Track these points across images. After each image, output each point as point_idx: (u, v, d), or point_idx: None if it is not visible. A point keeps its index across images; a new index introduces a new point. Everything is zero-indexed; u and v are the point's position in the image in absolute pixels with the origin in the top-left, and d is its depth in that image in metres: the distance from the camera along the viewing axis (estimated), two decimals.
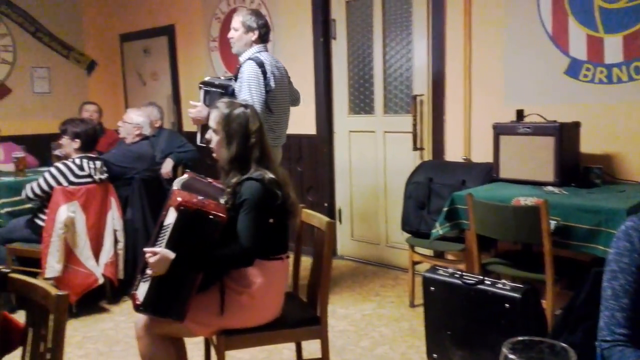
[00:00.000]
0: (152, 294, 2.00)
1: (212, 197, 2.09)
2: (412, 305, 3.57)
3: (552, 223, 2.62)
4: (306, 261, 2.53)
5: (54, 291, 1.46)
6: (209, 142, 2.27)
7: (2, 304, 1.64)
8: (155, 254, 1.95)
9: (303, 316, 2.34)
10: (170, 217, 1.99)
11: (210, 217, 1.96)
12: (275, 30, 4.81)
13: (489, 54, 3.61)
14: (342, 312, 3.54)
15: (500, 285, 2.42)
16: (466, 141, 3.76)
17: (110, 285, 3.79)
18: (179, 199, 1.95)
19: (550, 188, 3.00)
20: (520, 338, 0.84)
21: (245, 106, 2.24)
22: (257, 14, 3.47)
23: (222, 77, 3.50)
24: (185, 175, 2.21)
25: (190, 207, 1.93)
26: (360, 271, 4.37)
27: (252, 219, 2.06)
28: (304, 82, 4.62)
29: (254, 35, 3.42)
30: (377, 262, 4.47)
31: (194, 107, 3.34)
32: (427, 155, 4.01)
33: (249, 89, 3.24)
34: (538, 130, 3.10)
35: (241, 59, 3.42)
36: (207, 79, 3.47)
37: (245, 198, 2.07)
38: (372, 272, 4.34)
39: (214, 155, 2.25)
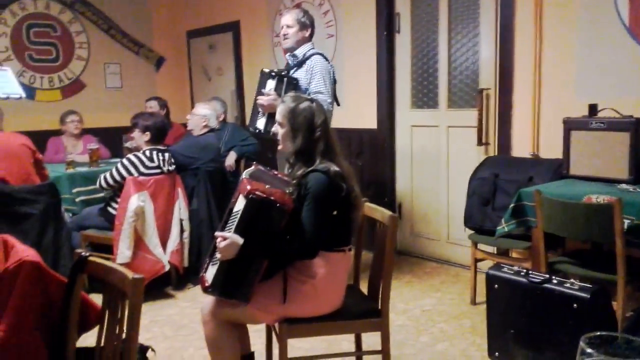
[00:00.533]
0: (220, 276, 2.08)
1: (279, 187, 2.14)
2: (474, 302, 3.52)
3: (626, 222, 2.51)
4: (365, 255, 2.53)
5: (130, 274, 1.53)
6: (275, 134, 2.32)
7: (81, 285, 1.73)
8: (225, 238, 2.03)
9: (364, 308, 2.34)
10: (240, 204, 2.07)
11: (277, 205, 2.02)
12: (337, 25, 4.83)
13: (560, 45, 3.48)
14: (401, 306, 3.52)
15: (568, 285, 2.35)
16: (534, 136, 3.64)
17: (176, 273, 3.93)
18: (249, 187, 2.02)
19: (624, 186, 2.87)
20: (597, 333, 0.82)
21: (311, 100, 2.26)
22: (308, 13, 3.67)
23: (275, 70, 3.58)
24: (253, 167, 2.27)
25: (258, 195, 2.00)
26: (419, 267, 4.33)
27: (317, 211, 2.09)
28: (365, 75, 4.62)
29: (307, 32, 3.60)
30: (438, 258, 4.42)
31: (267, 95, 3.42)
32: (493, 151, 3.92)
33: (323, 81, 3.42)
34: (612, 125, 2.97)
35: (298, 53, 3.56)
36: (266, 70, 3.54)
37: (310, 190, 2.10)
38: (432, 268, 4.29)
39: (279, 147, 2.29)
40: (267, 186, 2.06)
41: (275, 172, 2.33)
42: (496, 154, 3.87)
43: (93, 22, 6.14)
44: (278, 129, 2.27)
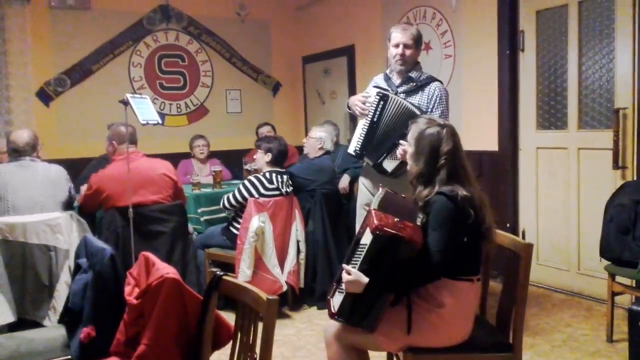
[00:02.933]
0: (346, 305, 2.06)
1: (408, 215, 2.08)
2: (610, 340, 3.22)
3: None
4: (492, 284, 2.40)
5: (264, 295, 1.56)
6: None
7: (216, 303, 1.79)
8: (349, 273, 2.01)
9: (494, 341, 2.22)
10: (366, 238, 2.01)
11: (406, 241, 1.94)
12: (456, 45, 4.72)
13: None
14: (528, 340, 3.29)
15: None
16: None
17: (292, 293, 3.98)
18: (376, 221, 1.95)
19: None
20: None
21: (443, 125, 2.19)
22: (418, 29, 3.35)
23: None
24: (381, 190, 2.23)
25: (385, 232, 1.93)
26: (547, 298, 4.04)
27: (440, 235, 2.02)
28: (486, 95, 4.46)
29: (419, 52, 3.31)
30: (567, 290, 4.10)
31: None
32: (631, 175, 3.59)
33: (448, 110, 3.19)
34: None
35: (414, 76, 3.24)
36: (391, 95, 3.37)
37: (433, 213, 2.04)
38: (561, 300, 3.99)
39: (408, 167, 2.26)
40: (396, 219, 1.98)
41: (404, 196, 2.28)
42: (635, 178, 3.55)
43: (217, 51, 6.51)
44: (407, 148, 2.25)
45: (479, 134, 4.50)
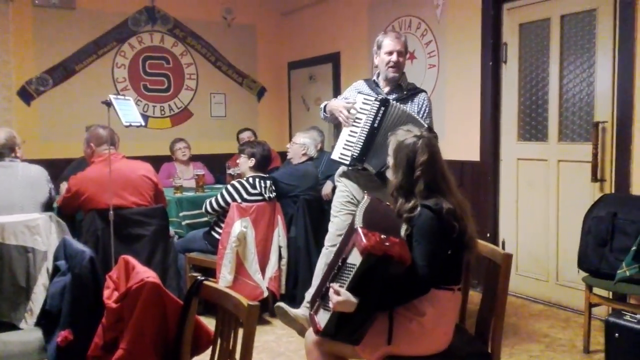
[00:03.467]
0: (332, 323, 2.02)
1: (392, 224, 2.07)
2: (587, 351, 3.26)
3: None
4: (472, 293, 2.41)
5: (245, 301, 1.55)
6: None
7: (196, 308, 1.78)
8: (338, 293, 1.95)
9: (473, 350, 2.23)
10: (355, 257, 1.94)
11: (395, 260, 1.90)
12: (440, 55, 4.77)
13: None
14: (506, 350, 3.31)
15: None
16: None
17: (273, 299, 3.96)
18: (365, 241, 1.88)
19: None
20: None
21: (420, 136, 2.18)
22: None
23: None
24: (366, 198, 2.21)
25: (376, 252, 1.88)
26: (525, 309, 4.08)
27: (426, 249, 2.01)
28: (469, 106, 4.51)
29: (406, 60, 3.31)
30: (545, 300, 4.15)
31: None
32: (609, 188, 3.65)
33: (431, 121, 3.22)
34: None
35: (403, 84, 3.29)
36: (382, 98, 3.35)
37: (418, 227, 2.04)
38: (539, 310, 4.03)
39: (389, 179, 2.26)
40: (382, 235, 1.91)
41: (388, 204, 2.28)
42: (613, 191, 3.61)
43: (202, 55, 6.49)
44: (389, 159, 2.24)
45: (461, 144, 4.55)
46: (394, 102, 3.09)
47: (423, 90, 3.33)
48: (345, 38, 5.89)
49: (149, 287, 1.71)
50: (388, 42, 3.25)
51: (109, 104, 3.25)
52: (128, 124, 3.19)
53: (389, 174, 2.24)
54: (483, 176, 4.46)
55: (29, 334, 2.40)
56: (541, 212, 4.13)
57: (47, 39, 5.59)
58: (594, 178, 3.69)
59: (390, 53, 3.22)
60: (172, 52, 6.32)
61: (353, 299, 1.94)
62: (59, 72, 5.68)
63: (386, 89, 3.29)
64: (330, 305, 1.99)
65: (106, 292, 1.94)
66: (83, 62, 5.80)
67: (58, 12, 5.61)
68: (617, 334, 2.45)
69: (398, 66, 3.23)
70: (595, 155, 3.67)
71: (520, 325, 3.76)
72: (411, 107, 3.20)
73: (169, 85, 6.33)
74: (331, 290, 1.98)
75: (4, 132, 3.38)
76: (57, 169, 4.48)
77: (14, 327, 2.86)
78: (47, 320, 2.24)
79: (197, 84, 6.50)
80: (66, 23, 5.67)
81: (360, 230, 1.92)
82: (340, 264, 2.03)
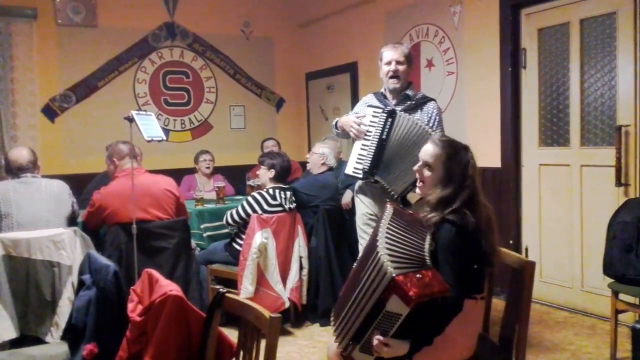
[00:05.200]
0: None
1: (418, 235, 2.03)
2: (614, 358, 3.19)
3: None
4: (495, 301, 2.38)
5: (267, 313, 1.56)
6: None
7: (219, 320, 1.79)
8: (387, 344, 1.88)
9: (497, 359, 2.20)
10: (397, 307, 1.81)
11: (440, 299, 1.83)
12: (458, 62, 4.75)
13: None
14: (531, 358, 3.27)
15: None
16: None
17: (294, 309, 3.97)
18: (410, 293, 1.75)
19: None
20: None
21: (467, 148, 2.15)
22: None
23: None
24: (390, 209, 2.15)
25: (422, 300, 1.77)
26: (550, 316, 4.02)
27: (453, 269, 1.96)
28: (489, 112, 4.48)
29: (411, 70, 3.29)
30: (570, 307, 4.08)
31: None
32: (634, 192, 3.59)
33: (443, 130, 3.20)
34: None
35: (411, 94, 3.26)
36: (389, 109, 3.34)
37: (441, 246, 1.99)
38: (564, 318, 3.97)
39: (418, 187, 2.23)
40: (417, 275, 1.80)
41: (411, 212, 2.25)
42: (638, 195, 3.55)
43: (221, 68, 6.57)
44: (424, 171, 2.17)
45: (481, 151, 4.44)
46: (402, 112, 3.08)
47: (432, 99, 3.30)
48: (363, 47, 5.90)
49: (172, 300, 1.73)
50: (386, 53, 3.26)
51: (131, 119, 3.30)
52: (150, 138, 3.24)
53: (430, 186, 2.14)
54: (505, 183, 4.41)
55: (55, 347, 2.43)
56: (564, 217, 4.08)
57: (70, 56, 5.71)
58: (618, 182, 3.63)
59: (389, 63, 3.22)
60: (191, 67, 6.40)
61: (404, 344, 1.89)
62: (82, 89, 5.79)
63: (394, 101, 3.28)
64: (373, 351, 1.92)
65: (130, 306, 1.97)
66: (105, 78, 5.91)
67: (81, 31, 5.73)
68: None
69: (397, 75, 3.21)
70: (618, 159, 3.62)
71: (545, 333, 3.70)
72: (420, 117, 3.18)
73: (189, 99, 6.41)
74: (377, 342, 1.89)
75: (26, 149, 3.47)
76: (81, 184, 4.55)
77: (40, 341, 2.92)
78: (72, 334, 2.27)
79: (216, 97, 6.57)
80: (89, 41, 5.79)
81: (397, 281, 1.78)
82: (377, 311, 1.88)
